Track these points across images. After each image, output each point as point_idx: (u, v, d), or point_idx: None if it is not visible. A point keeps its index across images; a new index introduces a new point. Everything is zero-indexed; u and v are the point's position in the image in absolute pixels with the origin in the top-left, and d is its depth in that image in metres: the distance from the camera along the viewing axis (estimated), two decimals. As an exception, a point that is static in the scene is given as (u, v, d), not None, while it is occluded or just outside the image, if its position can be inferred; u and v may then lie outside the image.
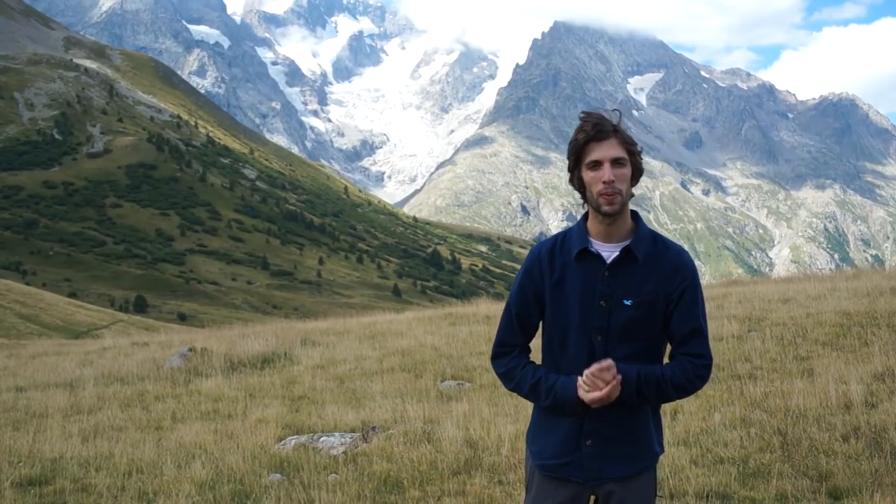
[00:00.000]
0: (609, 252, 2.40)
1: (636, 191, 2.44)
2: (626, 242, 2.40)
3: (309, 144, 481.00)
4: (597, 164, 2.34)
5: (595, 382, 2.30)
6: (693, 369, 2.39)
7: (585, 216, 2.46)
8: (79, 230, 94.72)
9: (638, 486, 2.44)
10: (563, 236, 2.49)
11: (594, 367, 2.30)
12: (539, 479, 2.49)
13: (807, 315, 9.06)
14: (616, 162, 2.33)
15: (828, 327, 8.31)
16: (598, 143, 2.34)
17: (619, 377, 2.30)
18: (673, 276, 2.40)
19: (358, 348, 11.07)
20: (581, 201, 2.43)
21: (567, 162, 2.44)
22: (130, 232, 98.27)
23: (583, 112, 2.41)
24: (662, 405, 2.54)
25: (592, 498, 2.48)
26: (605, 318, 2.38)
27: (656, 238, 2.45)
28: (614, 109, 2.45)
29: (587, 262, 2.41)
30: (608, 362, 2.30)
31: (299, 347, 11.55)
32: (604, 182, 2.32)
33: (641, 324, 2.38)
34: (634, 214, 2.46)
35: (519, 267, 2.60)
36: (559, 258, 2.45)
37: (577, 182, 2.40)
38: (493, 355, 2.57)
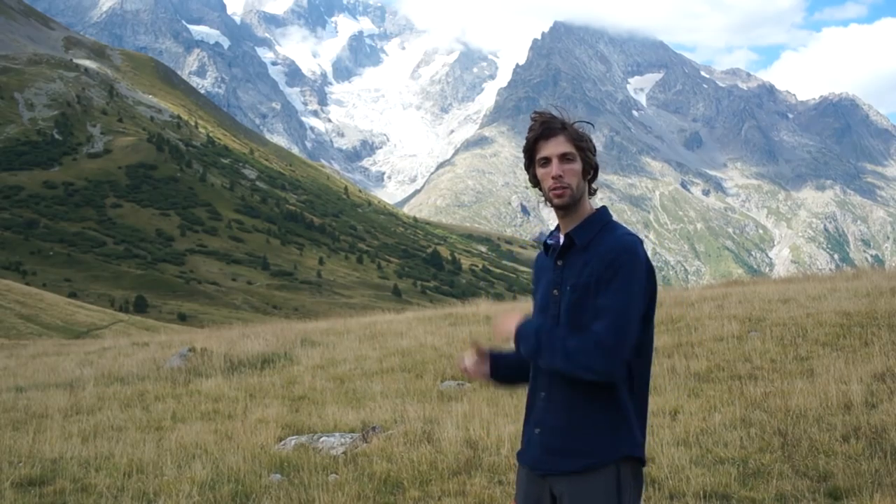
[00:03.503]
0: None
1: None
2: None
3: (309, 144, 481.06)
4: (546, 161, 2.42)
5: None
6: (584, 341, 2.26)
7: None
8: (79, 230, 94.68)
9: (588, 490, 2.32)
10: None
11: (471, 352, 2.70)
12: (517, 468, 2.60)
13: (807, 315, 9.04)
14: (564, 157, 2.40)
15: (828, 327, 8.29)
16: (546, 141, 2.42)
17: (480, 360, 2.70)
18: (606, 258, 2.33)
19: (358, 348, 11.08)
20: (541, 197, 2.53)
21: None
22: (130, 232, 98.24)
23: (534, 112, 2.48)
24: (646, 408, 2.48)
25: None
26: (557, 306, 2.42)
27: (607, 225, 2.43)
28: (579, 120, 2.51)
29: (549, 254, 2.53)
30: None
31: (299, 347, 11.56)
32: (552, 177, 2.40)
33: (578, 308, 2.34)
34: (602, 209, 2.47)
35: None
36: (541, 255, 2.61)
37: (533, 179, 2.49)
38: None
